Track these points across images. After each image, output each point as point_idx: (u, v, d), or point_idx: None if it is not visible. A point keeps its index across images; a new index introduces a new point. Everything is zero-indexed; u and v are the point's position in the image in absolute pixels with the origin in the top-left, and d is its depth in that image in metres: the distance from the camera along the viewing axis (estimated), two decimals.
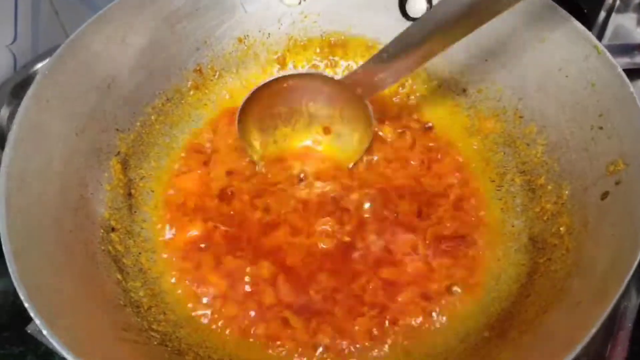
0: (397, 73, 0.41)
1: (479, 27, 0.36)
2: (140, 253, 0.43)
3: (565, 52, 0.41)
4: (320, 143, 0.49)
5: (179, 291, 0.42)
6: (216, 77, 0.52)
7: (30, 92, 0.38)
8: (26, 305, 0.30)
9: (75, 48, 0.42)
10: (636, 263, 0.29)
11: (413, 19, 0.50)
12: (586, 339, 0.27)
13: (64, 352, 0.28)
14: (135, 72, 0.46)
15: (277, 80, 0.45)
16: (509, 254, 0.42)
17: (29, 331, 0.41)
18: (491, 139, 0.48)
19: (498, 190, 0.46)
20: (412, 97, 0.52)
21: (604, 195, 0.36)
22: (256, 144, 0.48)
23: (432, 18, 0.37)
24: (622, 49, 0.63)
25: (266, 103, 0.46)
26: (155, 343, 0.36)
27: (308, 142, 0.49)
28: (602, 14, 0.70)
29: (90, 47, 0.43)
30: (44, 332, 0.29)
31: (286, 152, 0.49)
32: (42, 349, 0.43)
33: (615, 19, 0.69)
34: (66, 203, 0.39)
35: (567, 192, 0.40)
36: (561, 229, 0.39)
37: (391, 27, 0.50)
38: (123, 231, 0.43)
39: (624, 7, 0.70)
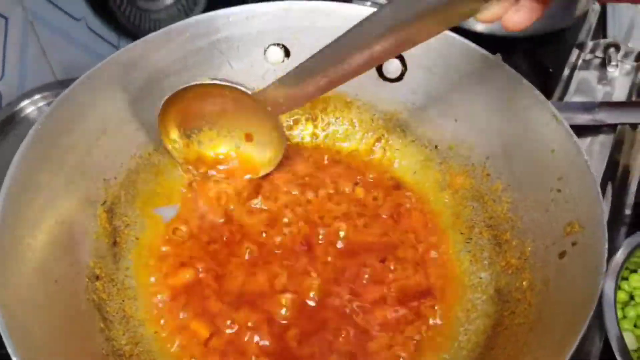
0: (305, 95, 0.43)
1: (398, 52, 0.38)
2: (123, 300, 0.44)
3: (528, 119, 0.45)
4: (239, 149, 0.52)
5: (163, 335, 0.43)
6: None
7: (22, 147, 0.40)
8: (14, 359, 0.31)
9: (67, 102, 0.44)
10: (587, 321, 0.32)
11: (389, 79, 0.54)
12: None
13: None
14: (125, 125, 0.48)
15: (200, 85, 0.47)
16: (476, 305, 0.44)
17: None
18: (461, 193, 0.51)
19: (467, 242, 0.49)
20: (388, 152, 0.55)
21: (562, 255, 0.39)
22: (178, 145, 0.51)
23: (344, 40, 0.37)
24: (584, 107, 0.67)
25: (191, 104, 0.48)
26: None
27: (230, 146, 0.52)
28: (566, 72, 0.75)
29: (81, 102, 0.45)
30: None
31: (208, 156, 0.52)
32: None
33: (578, 75, 0.74)
34: (54, 253, 0.40)
35: (529, 248, 0.43)
36: (524, 283, 0.41)
37: (369, 85, 0.55)
38: (107, 279, 0.44)
39: (586, 65, 0.75)
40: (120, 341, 0.41)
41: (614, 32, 0.80)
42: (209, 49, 0.52)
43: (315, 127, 0.56)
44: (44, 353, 0.33)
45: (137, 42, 0.48)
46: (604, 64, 0.75)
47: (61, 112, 0.43)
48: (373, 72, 0.54)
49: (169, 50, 0.49)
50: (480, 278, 0.46)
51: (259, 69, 0.54)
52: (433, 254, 0.49)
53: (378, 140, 0.55)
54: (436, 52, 0.49)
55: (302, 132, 0.57)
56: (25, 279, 0.36)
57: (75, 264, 0.42)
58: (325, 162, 0.55)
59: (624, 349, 0.45)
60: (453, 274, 0.47)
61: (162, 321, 0.44)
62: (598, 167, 0.61)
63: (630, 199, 0.63)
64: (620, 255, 0.51)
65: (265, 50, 0.54)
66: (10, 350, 0.32)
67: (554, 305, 0.37)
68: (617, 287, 0.53)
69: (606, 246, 0.35)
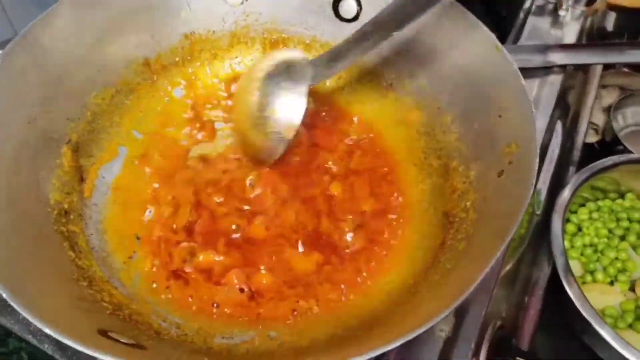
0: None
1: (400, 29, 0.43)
2: (91, 234, 0.46)
3: (473, 52, 0.47)
4: None
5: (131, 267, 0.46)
6: (163, 71, 0.55)
7: None
8: None
9: (26, 43, 0.45)
10: (518, 222, 0.35)
11: (345, 19, 0.56)
12: (480, 278, 0.33)
13: (27, 315, 0.32)
14: (85, 66, 0.49)
15: None
16: (425, 228, 0.48)
17: None
18: (414, 128, 0.54)
19: (419, 173, 0.52)
20: (346, 89, 0.57)
21: (500, 174, 0.42)
22: None
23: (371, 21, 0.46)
24: (537, 49, 0.70)
25: None
26: (108, 312, 0.40)
27: None
28: (520, 17, 0.78)
29: (40, 42, 0.46)
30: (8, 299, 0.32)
31: None
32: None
33: (532, 21, 0.76)
34: (18, 187, 0.42)
35: (473, 172, 0.46)
36: (467, 203, 0.45)
37: (326, 25, 0.56)
38: (75, 214, 0.46)
39: (540, 11, 0.78)
40: (90, 269, 0.43)
41: None
42: None
43: None
44: (13, 274, 0.35)
45: None
46: (556, 9, 0.77)
47: (20, 52, 0.44)
48: (330, 12, 0.56)
49: None
50: (430, 203, 0.49)
51: (218, 11, 0.55)
52: (389, 181, 0.52)
53: (339, 77, 0.57)
54: None
55: None
56: None
57: (42, 197, 0.43)
58: None
59: (569, 275, 0.49)
60: (407, 202, 0.50)
61: (128, 253, 0.46)
62: (547, 105, 0.65)
63: (580, 139, 0.67)
64: (567, 192, 0.55)
65: None
66: None
67: (489, 218, 0.40)
68: (566, 220, 0.57)
69: (537, 159, 0.38)
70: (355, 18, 0.55)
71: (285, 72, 0.50)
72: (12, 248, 0.38)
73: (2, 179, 0.40)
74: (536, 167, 0.38)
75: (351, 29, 0.55)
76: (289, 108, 0.49)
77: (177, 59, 0.56)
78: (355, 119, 0.56)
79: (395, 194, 0.51)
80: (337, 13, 0.55)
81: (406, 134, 0.54)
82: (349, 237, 0.48)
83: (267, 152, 0.50)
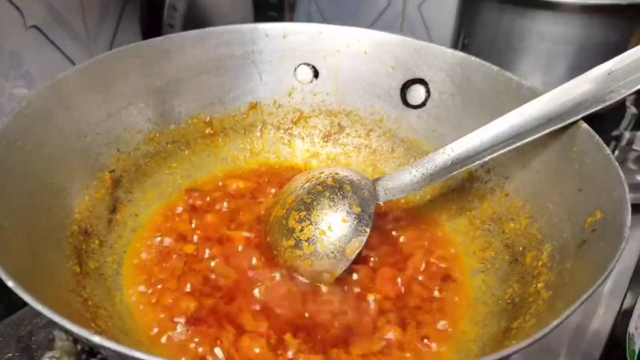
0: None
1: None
2: (105, 261, 0.42)
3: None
4: None
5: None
6: (223, 133, 0.55)
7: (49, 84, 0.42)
8: None
9: (98, 65, 0.47)
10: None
11: (413, 106, 0.55)
12: None
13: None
14: (148, 106, 0.50)
15: None
16: (485, 319, 0.39)
17: None
18: (478, 216, 0.48)
19: (481, 263, 0.45)
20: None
21: (581, 244, 0.35)
22: None
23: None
24: None
25: None
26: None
27: None
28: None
29: (111, 71, 0.47)
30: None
31: None
32: None
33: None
34: (50, 187, 0.39)
35: (546, 253, 0.39)
36: (539, 285, 0.37)
37: (392, 111, 0.55)
38: (95, 238, 0.43)
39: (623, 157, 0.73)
40: (91, 290, 0.38)
41: None
42: (242, 58, 0.54)
43: (335, 146, 0.57)
44: (14, 256, 0.31)
45: (174, 34, 0.51)
46: None
47: (93, 70, 0.46)
48: (397, 98, 0.55)
49: (203, 49, 0.53)
50: (493, 295, 0.41)
51: (286, 85, 0.57)
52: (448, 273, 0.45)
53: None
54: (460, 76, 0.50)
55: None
56: (16, 192, 0.36)
57: (67, 208, 0.41)
58: None
59: None
60: (464, 294, 0.43)
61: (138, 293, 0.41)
62: None
63: None
64: None
65: (295, 69, 0.56)
66: None
67: (565, 288, 0.32)
68: None
69: (629, 217, 0.31)
70: (423, 104, 0.54)
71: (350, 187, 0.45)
72: (22, 235, 0.34)
73: (36, 168, 0.38)
74: (628, 224, 0.31)
75: (417, 115, 0.54)
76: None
77: (239, 125, 0.56)
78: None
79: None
80: (404, 99, 0.55)
81: (468, 224, 0.48)
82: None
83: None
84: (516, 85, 0.46)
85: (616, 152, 0.74)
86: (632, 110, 0.83)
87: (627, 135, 0.75)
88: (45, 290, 0.32)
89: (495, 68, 0.49)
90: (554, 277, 0.36)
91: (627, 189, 0.33)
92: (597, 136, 0.39)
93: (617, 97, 0.40)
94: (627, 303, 0.46)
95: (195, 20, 0.77)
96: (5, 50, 0.62)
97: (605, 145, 0.38)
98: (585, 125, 0.40)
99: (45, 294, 0.30)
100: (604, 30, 0.63)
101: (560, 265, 0.36)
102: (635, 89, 0.40)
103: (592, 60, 0.42)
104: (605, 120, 0.78)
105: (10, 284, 0.26)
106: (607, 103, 0.40)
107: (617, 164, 0.36)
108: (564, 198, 0.40)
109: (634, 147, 0.74)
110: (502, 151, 0.42)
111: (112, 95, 0.47)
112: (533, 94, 0.44)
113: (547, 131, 0.41)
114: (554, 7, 0.63)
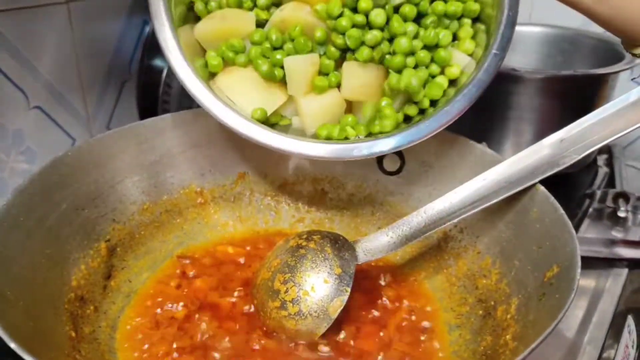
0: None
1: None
2: (99, 326, 0.44)
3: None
4: None
5: None
6: (213, 202, 0.59)
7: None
8: None
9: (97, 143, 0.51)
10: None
11: (389, 173, 0.59)
12: None
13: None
14: (142, 180, 0.54)
15: None
16: None
17: None
18: (454, 274, 0.51)
19: (458, 318, 0.47)
20: None
21: (542, 297, 0.38)
22: None
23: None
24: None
25: None
26: None
27: None
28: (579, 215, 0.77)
29: (110, 147, 0.52)
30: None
31: None
32: None
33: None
34: (49, 257, 0.42)
35: (514, 307, 0.42)
36: (508, 336, 0.39)
37: (371, 177, 0.59)
38: (90, 304, 0.45)
39: (597, 214, 0.77)
40: (87, 356, 0.40)
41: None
42: (231, 132, 0.59)
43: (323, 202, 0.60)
44: (15, 321, 0.34)
45: (168, 115, 0.56)
46: (614, 212, 0.76)
47: (91, 149, 0.50)
48: (374, 166, 0.59)
49: (195, 126, 0.57)
50: (468, 348, 0.44)
51: (273, 156, 0.60)
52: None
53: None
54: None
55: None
56: (17, 263, 0.39)
57: (65, 276, 0.44)
58: None
59: None
60: (443, 348, 0.45)
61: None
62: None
63: None
64: None
65: None
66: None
67: (528, 336, 0.35)
68: None
69: (579, 270, 0.35)
70: (399, 171, 0.58)
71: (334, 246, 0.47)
72: (21, 295, 0.37)
73: (34, 242, 0.41)
74: (578, 278, 0.34)
75: (393, 181, 0.58)
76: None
77: (228, 195, 0.60)
78: None
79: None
80: (381, 167, 0.59)
81: (446, 279, 0.51)
82: None
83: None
84: (480, 152, 0.51)
85: (590, 210, 0.77)
86: (603, 169, 0.88)
87: (599, 193, 0.78)
88: (44, 352, 0.34)
89: (462, 137, 0.53)
90: (519, 328, 0.38)
91: (577, 245, 0.37)
92: (552, 197, 0.43)
93: (569, 162, 0.45)
94: (605, 354, 0.49)
95: (189, 96, 0.83)
96: (9, 130, 0.66)
97: (559, 206, 0.42)
98: (542, 188, 0.44)
99: (44, 356, 0.32)
100: (562, 99, 0.68)
101: (525, 318, 0.39)
102: (584, 154, 0.44)
103: (554, 125, 0.47)
104: (579, 179, 0.83)
105: (12, 345, 0.29)
106: (561, 167, 0.44)
107: (570, 222, 0.40)
108: (527, 254, 0.43)
109: (607, 203, 0.78)
110: (470, 213, 0.46)
111: (109, 171, 0.51)
112: (495, 159, 0.48)
113: (509, 194, 0.45)
114: (517, 79, 0.69)
